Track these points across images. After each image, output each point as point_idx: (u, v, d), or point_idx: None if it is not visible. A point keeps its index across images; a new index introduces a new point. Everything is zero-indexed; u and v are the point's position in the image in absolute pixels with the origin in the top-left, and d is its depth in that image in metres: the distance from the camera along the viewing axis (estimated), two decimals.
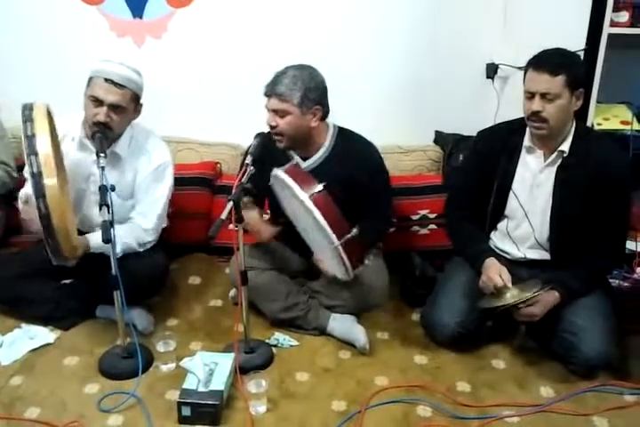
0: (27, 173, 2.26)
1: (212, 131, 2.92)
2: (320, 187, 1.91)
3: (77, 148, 2.20)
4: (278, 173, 2.00)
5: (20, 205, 2.07)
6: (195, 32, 2.83)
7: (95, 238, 2.04)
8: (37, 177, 1.74)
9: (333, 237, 1.88)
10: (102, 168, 1.93)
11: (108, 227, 1.84)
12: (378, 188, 2.23)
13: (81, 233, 2.12)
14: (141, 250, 2.20)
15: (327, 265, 2.11)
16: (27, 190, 1.99)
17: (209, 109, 2.92)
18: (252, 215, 2.15)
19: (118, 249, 1.99)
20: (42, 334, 2.18)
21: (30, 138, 1.76)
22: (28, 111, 1.82)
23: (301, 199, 1.90)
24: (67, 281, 2.33)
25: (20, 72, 2.89)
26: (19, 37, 2.85)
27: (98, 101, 2.07)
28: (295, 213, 2.11)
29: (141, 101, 2.20)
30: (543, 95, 1.92)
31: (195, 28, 2.83)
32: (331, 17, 2.78)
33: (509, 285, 2.00)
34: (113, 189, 1.91)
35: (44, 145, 1.76)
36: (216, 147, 2.89)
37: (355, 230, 1.91)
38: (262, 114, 2.15)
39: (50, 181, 1.75)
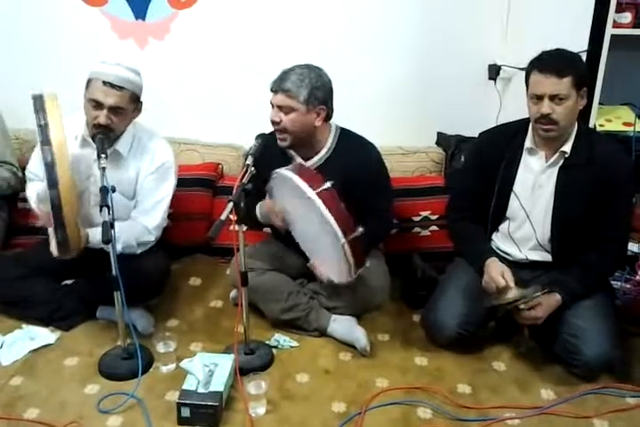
0: (29, 172, 2.29)
1: (214, 132, 2.92)
2: (328, 184, 1.91)
3: (80, 145, 2.20)
4: (283, 171, 1.99)
5: (36, 204, 2.08)
6: (197, 34, 2.84)
7: (95, 233, 2.04)
8: (50, 167, 1.75)
9: (340, 234, 1.87)
10: (103, 169, 1.94)
11: (108, 228, 1.84)
12: (378, 190, 2.22)
13: None
14: (140, 251, 2.19)
15: (325, 269, 2.10)
16: (38, 189, 2.01)
17: (211, 111, 2.93)
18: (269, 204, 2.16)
19: (118, 247, 1.98)
20: (42, 335, 2.18)
21: (43, 127, 1.76)
22: (39, 101, 1.81)
23: (309, 196, 1.88)
24: (67, 282, 2.33)
25: (22, 74, 2.90)
26: (22, 39, 2.86)
27: (98, 104, 2.07)
28: (294, 215, 2.10)
29: (141, 99, 2.20)
30: (552, 97, 1.92)
31: (197, 30, 2.83)
32: (333, 19, 2.78)
33: (512, 284, 2.00)
34: (114, 190, 1.91)
35: (57, 135, 1.77)
36: (218, 148, 2.90)
37: (360, 229, 1.91)
38: (264, 115, 2.15)
39: (63, 171, 1.76)
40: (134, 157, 2.23)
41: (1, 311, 2.30)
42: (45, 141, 1.75)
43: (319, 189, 1.89)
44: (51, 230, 2.04)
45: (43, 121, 1.77)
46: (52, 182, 1.76)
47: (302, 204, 1.96)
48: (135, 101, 2.16)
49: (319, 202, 1.88)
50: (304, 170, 2.00)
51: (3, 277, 2.26)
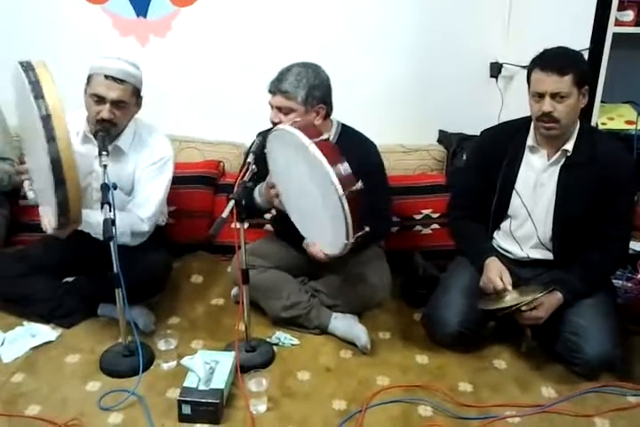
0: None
1: (215, 130, 2.92)
2: (326, 135, 1.87)
3: (81, 141, 2.20)
4: (281, 126, 1.93)
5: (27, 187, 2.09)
6: (199, 31, 2.84)
7: (91, 214, 2.03)
8: (47, 119, 1.70)
9: (339, 185, 1.77)
10: (105, 166, 1.93)
11: (109, 225, 1.84)
12: (376, 187, 2.20)
13: (81, 231, 2.11)
14: (134, 242, 2.15)
15: (321, 240, 2.01)
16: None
17: (212, 109, 2.93)
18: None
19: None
20: (43, 332, 2.19)
21: (34, 83, 1.72)
22: (26, 63, 1.78)
23: (305, 145, 1.80)
24: (69, 279, 2.33)
25: None
26: (23, 37, 2.86)
27: (100, 99, 2.07)
28: (291, 179, 2.01)
29: (142, 94, 2.20)
30: (553, 95, 1.92)
31: (199, 27, 2.83)
32: (335, 16, 2.78)
33: (509, 288, 1.99)
34: (115, 187, 1.91)
35: (50, 90, 1.73)
36: (219, 146, 2.90)
37: (359, 184, 1.82)
38: (265, 113, 2.15)
39: (60, 123, 1.71)
40: (134, 151, 2.23)
41: (2, 308, 2.30)
42: (38, 95, 1.71)
43: (317, 139, 1.83)
44: (42, 208, 2.01)
45: (33, 78, 1.73)
46: (50, 136, 1.70)
47: (298, 158, 1.89)
48: (136, 95, 2.16)
49: (317, 150, 1.80)
50: (302, 126, 1.91)
51: (4, 274, 2.26)
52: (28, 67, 1.77)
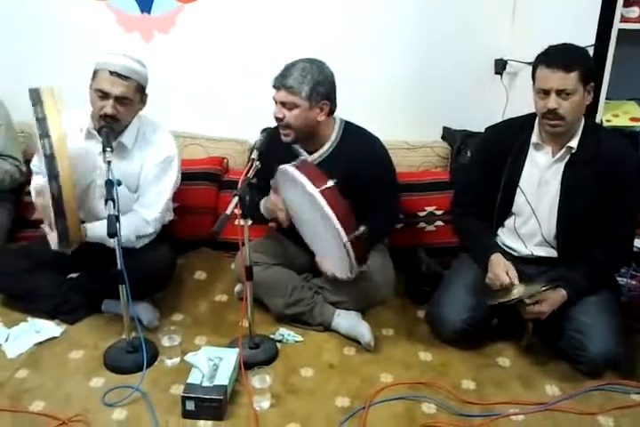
0: (34, 165, 2.29)
1: (219, 126, 2.92)
2: (331, 183, 1.92)
3: (85, 138, 2.20)
4: (287, 168, 1.99)
5: (34, 197, 2.10)
6: (203, 27, 2.83)
7: (94, 228, 2.06)
8: (50, 159, 1.77)
9: (342, 232, 1.88)
10: (109, 162, 1.94)
11: (113, 221, 1.85)
12: (383, 184, 2.21)
13: None
14: (139, 245, 2.18)
15: (329, 265, 2.10)
16: (40, 182, 2.03)
17: (216, 105, 2.92)
18: (273, 200, 2.18)
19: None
20: (48, 328, 2.19)
21: (41, 120, 1.79)
22: (35, 94, 1.84)
23: (311, 194, 1.89)
24: (73, 275, 2.34)
25: (27, 68, 2.89)
26: (27, 34, 2.86)
27: (104, 94, 2.08)
28: (298, 211, 2.10)
29: (146, 92, 2.20)
30: (559, 92, 1.91)
31: (203, 24, 2.83)
32: (339, 12, 2.77)
33: (516, 282, 1.99)
34: (119, 183, 1.92)
35: (55, 127, 1.79)
36: (223, 142, 2.90)
37: (362, 228, 1.92)
38: (269, 110, 2.14)
39: (63, 162, 1.78)
40: (139, 148, 2.23)
41: (6, 304, 2.31)
42: (44, 134, 1.77)
43: (322, 188, 1.90)
44: (44, 226, 2.06)
45: (40, 114, 1.79)
46: (52, 174, 1.77)
47: (305, 200, 1.96)
48: (141, 92, 2.16)
49: (322, 200, 1.88)
50: (308, 167, 1.99)
51: (8, 270, 2.27)
52: (36, 99, 1.83)
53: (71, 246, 1.99)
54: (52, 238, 2.00)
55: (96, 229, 2.06)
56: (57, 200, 1.80)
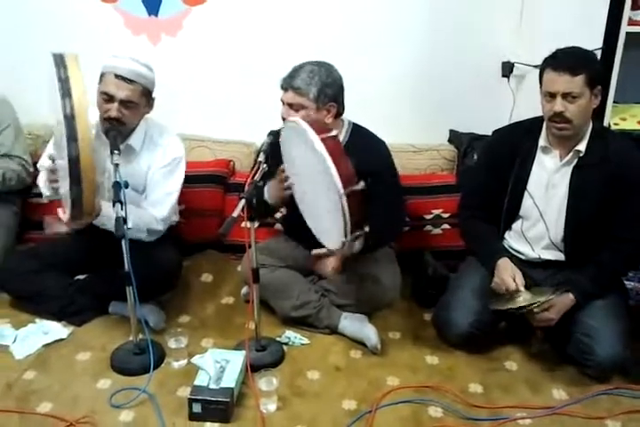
0: (41, 165, 2.29)
1: (226, 129, 2.93)
2: (334, 133, 1.88)
3: (95, 138, 2.21)
4: (293, 118, 1.96)
5: (43, 176, 2.11)
6: (210, 30, 2.84)
7: (107, 206, 2.03)
8: (70, 119, 1.73)
9: (339, 183, 1.79)
10: (116, 165, 1.94)
11: (121, 223, 1.85)
12: (386, 188, 2.21)
13: (93, 227, 2.11)
14: (148, 238, 2.18)
15: (324, 235, 2.02)
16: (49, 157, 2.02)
17: (223, 107, 2.93)
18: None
19: (129, 225, 1.96)
20: (55, 330, 2.20)
21: (63, 81, 1.75)
22: (59, 57, 1.82)
23: (312, 140, 1.82)
24: (80, 277, 2.34)
25: (35, 70, 2.90)
26: (35, 35, 2.87)
27: (109, 97, 2.09)
28: (300, 172, 2.03)
29: (154, 96, 2.21)
30: (565, 96, 1.91)
31: (210, 26, 2.84)
32: (346, 14, 2.78)
33: (522, 288, 1.99)
34: (127, 185, 1.92)
35: (77, 88, 1.75)
36: (229, 145, 2.90)
37: (362, 183, 1.85)
38: (276, 112, 2.15)
39: (82, 124, 1.74)
40: (147, 151, 2.24)
41: (15, 306, 2.32)
42: (65, 94, 1.73)
43: (324, 135, 1.85)
44: (64, 199, 2.01)
45: (63, 75, 1.76)
46: (72, 135, 1.73)
47: (306, 152, 1.89)
48: (147, 96, 2.17)
49: (322, 146, 1.81)
50: (313, 122, 1.96)
51: (16, 271, 2.28)
52: (60, 61, 1.80)
53: (83, 219, 1.93)
54: (66, 214, 1.94)
55: (111, 209, 2.02)
56: (73, 164, 1.74)
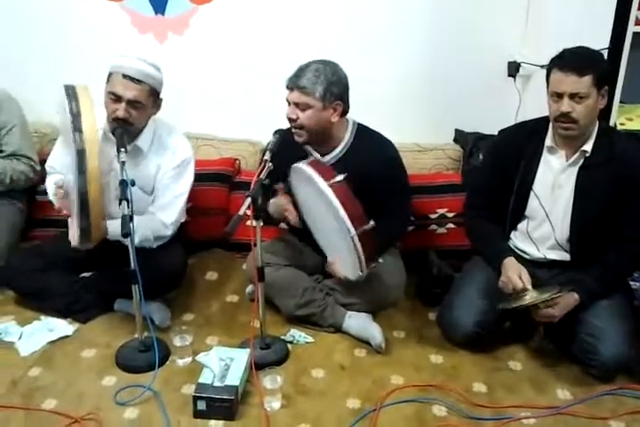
0: (49, 166, 2.31)
1: (232, 127, 2.93)
2: (340, 177, 1.93)
3: (101, 140, 2.21)
4: (300, 165, 2.02)
5: (51, 196, 2.13)
6: (216, 29, 2.84)
7: (114, 225, 2.05)
8: (81, 154, 1.79)
9: (350, 226, 1.88)
10: (123, 163, 1.95)
11: (127, 221, 1.86)
12: (394, 188, 2.21)
13: None
14: (156, 245, 2.20)
15: (339, 266, 2.11)
16: (56, 178, 2.07)
17: (229, 106, 2.94)
18: (280, 201, 2.19)
19: (135, 240, 1.99)
20: (60, 327, 2.21)
21: (76, 115, 1.80)
22: (71, 90, 1.86)
23: (320, 187, 1.90)
24: (86, 274, 2.35)
25: (42, 69, 2.92)
26: (42, 34, 2.88)
27: (116, 97, 2.09)
28: (311, 209, 2.11)
29: (161, 96, 2.21)
30: (572, 96, 1.91)
31: (216, 25, 2.84)
32: (350, 15, 2.77)
33: (529, 286, 1.99)
34: (133, 183, 1.93)
35: (88, 122, 1.81)
36: (235, 143, 2.91)
37: (371, 222, 1.92)
38: (282, 111, 2.15)
39: (93, 158, 1.80)
40: (155, 152, 2.24)
41: (20, 303, 2.33)
42: (77, 128, 1.78)
43: (331, 181, 1.91)
44: (70, 220, 2.06)
45: (75, 109, 1.80)
46: (82, 169, 1.78)
47: (316, 196, 1.96)
48: (154, 97, 2.17)
49: (330, 193, 1.89)
50: (318, 164, 2.03)
51: (21, 268, 2.29)
52: (72, 94, 1.85)
53: (91, 243, 1.98)
54: (72, 236, 2.00)
55: (117, 226, 2.06)
56: (82, 196, 1.80)
